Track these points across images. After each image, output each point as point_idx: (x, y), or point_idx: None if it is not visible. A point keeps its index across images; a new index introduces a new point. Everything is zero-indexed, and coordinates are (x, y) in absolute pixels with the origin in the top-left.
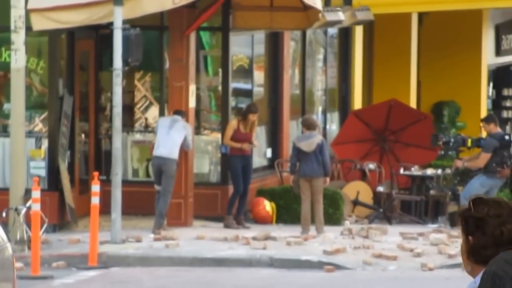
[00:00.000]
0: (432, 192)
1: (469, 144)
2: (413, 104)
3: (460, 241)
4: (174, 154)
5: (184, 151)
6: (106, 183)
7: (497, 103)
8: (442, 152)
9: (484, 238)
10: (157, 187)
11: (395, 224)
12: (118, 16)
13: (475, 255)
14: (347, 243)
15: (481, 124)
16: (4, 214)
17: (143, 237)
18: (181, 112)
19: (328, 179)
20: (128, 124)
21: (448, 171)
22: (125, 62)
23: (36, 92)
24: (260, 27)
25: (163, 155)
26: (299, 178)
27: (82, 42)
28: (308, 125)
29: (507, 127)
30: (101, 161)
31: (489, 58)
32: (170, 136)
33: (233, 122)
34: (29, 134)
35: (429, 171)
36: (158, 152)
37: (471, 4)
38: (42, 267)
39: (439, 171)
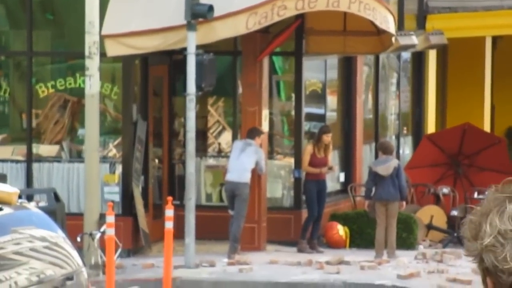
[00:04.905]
0: None
1: None
2: (486, 128)
3: None
4: (245, 177)
5: (257, 175)
6: (179, 208)
7: None
8: None
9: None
10: (230, 212)
11: None
12: (192, 42)
13: None
14: (421, 267)
15: None
16: (79, 239)
17: (216, 261)
18: (255, 131)
19: (404, 203)
20: (201, 149)
21: None
22: (198, 87)
23: (110, 118)
24: (333, 51)
25: (234, 179)
26: (375, 202)
27: (155, 67)
28: (384, 149)
29: None
30: (175, 186)
31: None
32: (240, 161)
33: (308, 147)
34: (103, 159)
35: None
36: (229, 176)
37: None
38: None
39: None
